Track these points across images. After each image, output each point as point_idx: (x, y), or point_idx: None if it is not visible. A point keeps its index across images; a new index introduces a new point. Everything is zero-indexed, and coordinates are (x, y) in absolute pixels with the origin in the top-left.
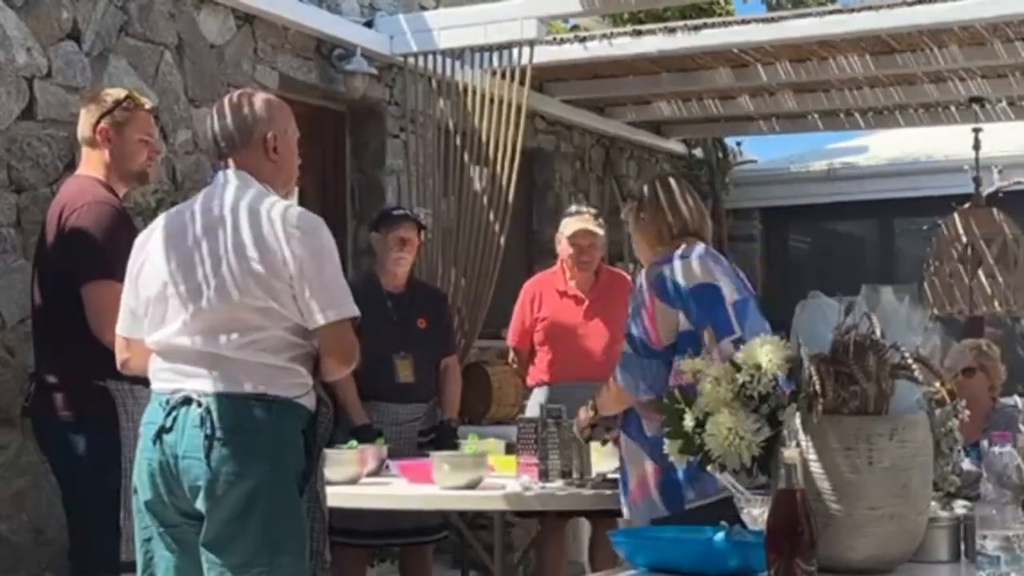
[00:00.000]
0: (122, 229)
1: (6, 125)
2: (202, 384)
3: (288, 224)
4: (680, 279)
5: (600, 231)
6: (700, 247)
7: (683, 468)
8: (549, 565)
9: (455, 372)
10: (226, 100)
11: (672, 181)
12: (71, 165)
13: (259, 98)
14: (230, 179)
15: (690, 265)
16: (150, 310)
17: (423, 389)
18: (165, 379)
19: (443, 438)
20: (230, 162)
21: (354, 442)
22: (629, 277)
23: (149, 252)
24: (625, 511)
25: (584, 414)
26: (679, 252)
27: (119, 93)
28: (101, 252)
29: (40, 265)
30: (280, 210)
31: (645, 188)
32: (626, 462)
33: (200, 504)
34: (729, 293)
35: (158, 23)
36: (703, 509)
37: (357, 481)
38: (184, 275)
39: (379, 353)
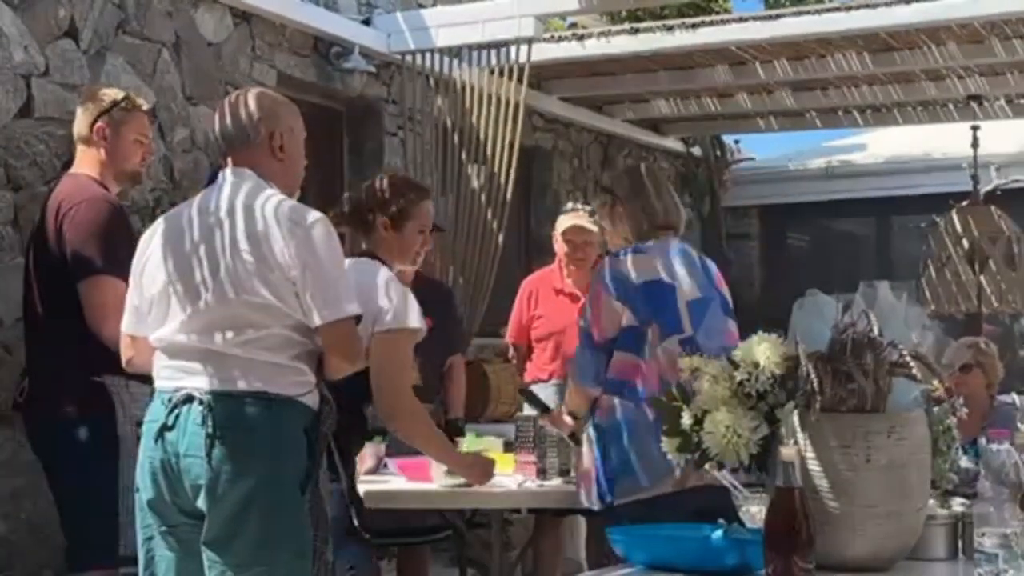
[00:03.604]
0: (119, 226)
1: (3, 123)
2: (204, 382)
3: (289, 220)
4: (631, 274)
5: (595, 228)
6: (666, 242)
7: (613, 465)
8: (547, 563)
9: (460, 370)
10: (232, 97)
11: (646, 172)
12: (68, 163)
13: (267, 96)
14: (227, 177)
15: (644, 260)
16: (153, 308)
17: (427, 389)
18: (167, 377)
19: (450, 436)
20: (228, 161)
21: None
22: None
23: (151, 251)
24: (582, 501)
25: (566, 420)
26: (639, 246)
27: (117, 93)
28: (99, 248)
29: (35, 260)
30: (282, 207)
31: (618, 179)
32: (582, 448)
33: (201, 503)
34: (687, 291)
35: (155, 21)
36: (627, 507)
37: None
38: (185, 273)
39: None
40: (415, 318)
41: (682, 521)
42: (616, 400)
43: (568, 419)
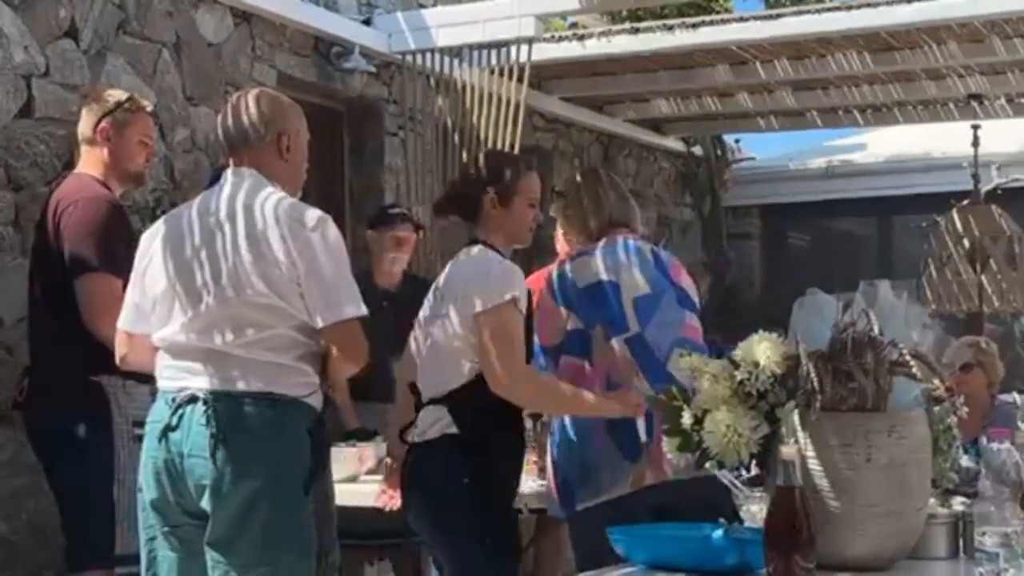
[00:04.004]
0: (117, 224)
1: (3, 124)
2: (208, 382)
3: (290, 219)
4: (574, 278)
5: None
6: (613, 240)
7: (570, 470)
8: (547, 563)
9: None
10: (237, 97)
11: (593, 174)
12: (69, 164)
13: (275, 97)
14: (228, 178)
15: (585, 263)
16: (157, 307)
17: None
18: (171, 377)
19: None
20: (231, 161)
21: (353, 441)
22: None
23: (154, 251)
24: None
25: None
26: (582, 250)
27: (121, 94)
28: (96, 246)
29: (36, 259)
30: (282, 205)
31: (570, 185)
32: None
33: (205, 503)
34: (633, 288)
35: (156, 21)
36: (590, 511)
37: (356, 479)
38: (187, 274)
39: (375, 354)
40: (510, 289)
41: (643, 519)
42: None
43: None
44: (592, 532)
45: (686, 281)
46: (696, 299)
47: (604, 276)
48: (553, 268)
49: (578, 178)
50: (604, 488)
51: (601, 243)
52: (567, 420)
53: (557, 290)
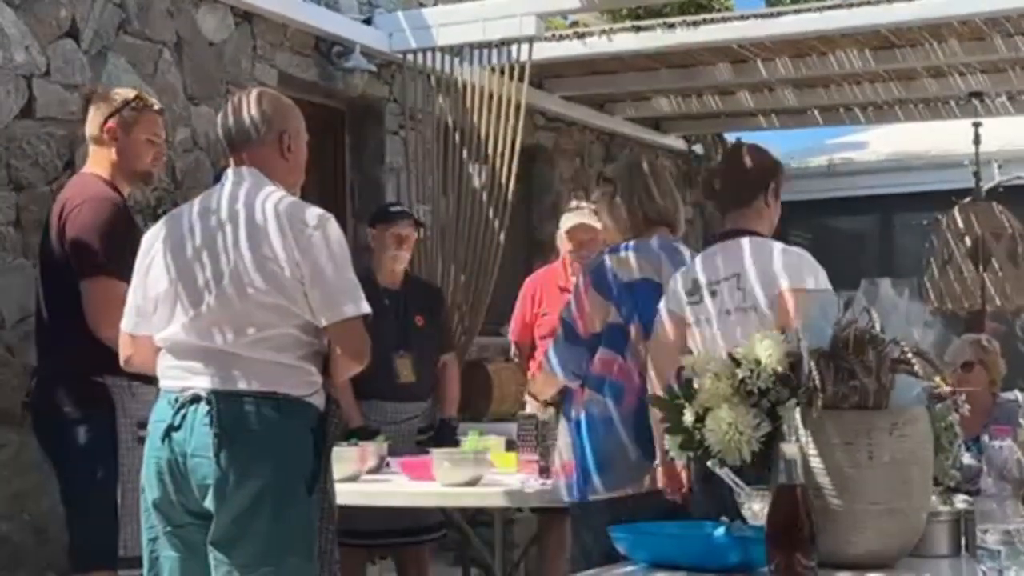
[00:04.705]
0: (122, 226)
1: (5, 123)
2: (210, 382)
3: (291, 217)
4: (620, 271)
5: (599, 226)
6: (656, 239)
7: (590, 460)
8: (550, 561)
9: (453, 369)
10: (239, 97)
11: (648, 166)
12: (70, 163)
13: (276, 97)
14: (229, 177)
15: (632, 258)
16: (159, 307)
17: (422, 387)
18: (174, 377)
19: (443, 436)
20: (232, 160)
21: (355, 439)
22: None
23: (156, 251)
24: (554, 492)
25: (533, 404)
26: (630, 244)
27: (128, 93)
28: (100, 248)
29: (42, 261)
30: (282, 203)
31: (620, 171)
32: (559, 440)
33: (209, 503)
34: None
35: (157, 21)
36: (602, 503)
37: (358, 478)
38: (189, 274)
39: (378, 352)
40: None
41: (649, 519)
42: (596, 396)
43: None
44: (598, 525)
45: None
46: None
47: (652, 275)
48: (599, 259)
49: (629, 170)
50: (621, 483)
51: (646, 239)
52: (597, 411)
53: (602, 281)
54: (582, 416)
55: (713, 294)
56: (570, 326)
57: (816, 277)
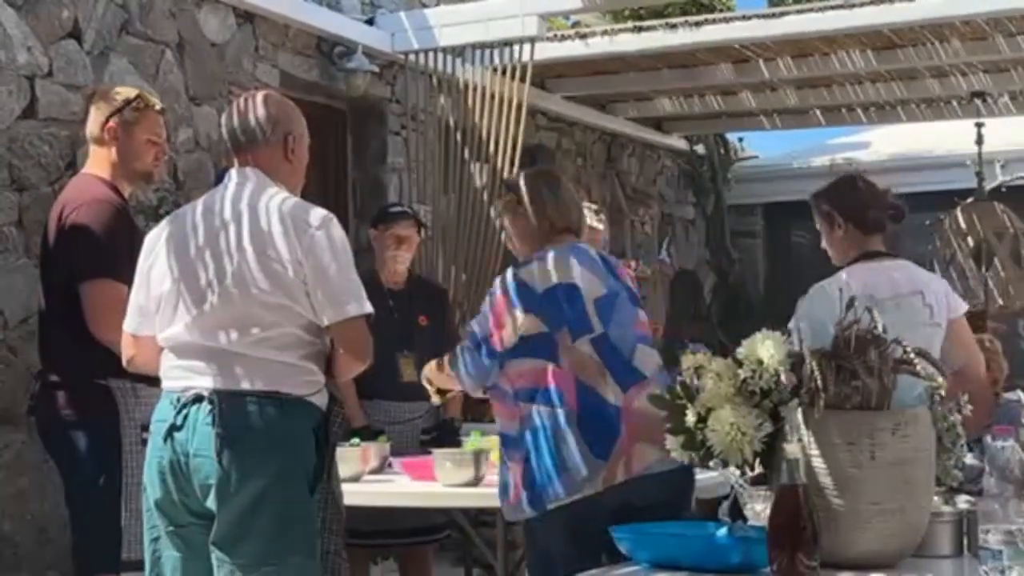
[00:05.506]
0: (122, 227)
1: (7, 124)
2: (213, 382)
3: (295, 218)
4: (535, 283)
5: (600, 226)
6: (565, 246)
7: (539, 471)
8: None
9: None
10: (247, 98)
11: (554, 175)
12: (72, 164)
13: (281, 100)
14: (232, 177)
15: (546, 267)
16: (162, 307)
17: (424, 388)
18: (176, 376)
19: (446, 436)
20: (235, 161)
21: (356, 440)
22: (632, 273)
23: (159, 251)
24: (506, 514)
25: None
26: (539, 254)
27: (130, 92)
28: (100, 250)
29: (43, 264)
30: (286, 204)
31: (525, 180)
32: (500, 474)
33: (211, 503)
34: (592, 290)
35: (159, 22)
36: (562, 509)
37: (360, 479)
38: (191, 273)
39: (382, 352)
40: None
41: (618, 515)
42: (532, 408)
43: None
44: (561, 532)
45: (629, 281)
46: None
47: (565, 279)
48: (507, 273)
49: (539, 177)
50: (578, 486)
51: (554, 247)
52: (538, 420)
53: (517, 295)
54: (526, 432)
55: (898, 307)
56: (484, 339)
57: None
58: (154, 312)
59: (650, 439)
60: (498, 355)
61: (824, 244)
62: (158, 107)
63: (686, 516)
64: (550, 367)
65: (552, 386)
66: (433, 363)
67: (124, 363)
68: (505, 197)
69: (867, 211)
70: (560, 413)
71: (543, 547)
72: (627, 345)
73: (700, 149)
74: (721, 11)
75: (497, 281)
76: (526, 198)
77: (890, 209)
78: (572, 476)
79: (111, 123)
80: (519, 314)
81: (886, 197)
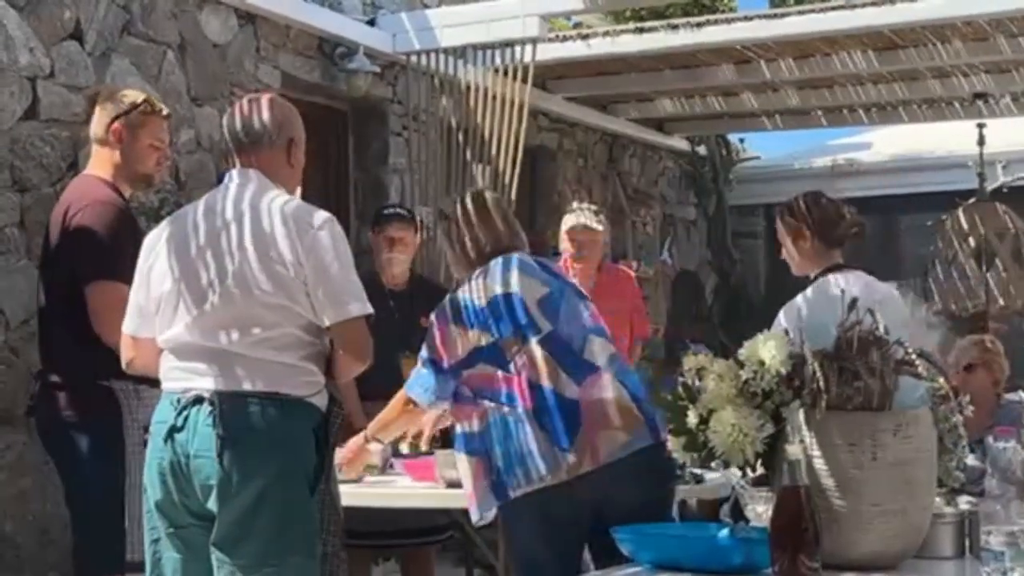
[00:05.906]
0: (125, 229)
1: (9, 125)
2: (213, 383)
3: (297, 219)
4: (474, 300)
5: (600, 227)
6: (498, 260)
7: (501, 464)
8: None
9: None
10: (252, 100)
11: (485, 197)
12: (74, 165)
13: (287, 104)
14: (233, 178)
15: (482, 283)
16: (162, 308)
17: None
18: (176, 378)
19: (447, 437)
20: (236, 162)
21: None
22: (633, 273)
23: (159, 252)
24: (474, 515)
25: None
26: (474, 274)
27: (137, 96)
28: (103, 252)
29: (44, 265)
30: (288, 206)
31: (458, 205)
32: (460, 471)
33: (211, 504)
34: (532, 292)
35: (160, 23)
36: (525, 498)
37: (361, 479)
38: (192, 274)
39: (383, 353)
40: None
41: (584, 513)
42: (486, 404)
43: (372, 447)
44: (525, 522)
45: (570, 277)
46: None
47: (503, 289)
48: (445, 301)
49: (469, 201)
50: (539, 475)
51: (491, 263)
52: (493, 416)
53: (456, 317)
54: (488, 427)
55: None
56: (432, 361)
57: None
58: (154, 313)
59: (610, 426)
60: (448, 370)
61: (785, 255)
62: (164, 112)
63: (670, 496)
64: (499, 373)
65: (503, 389)
66: (385, 414)
67: (124, 365)
68: (441, 225)
69: (836, 226)
70: (518, 410)
71: (515, 538)
72: (577, 339)
73: (701, 150)
74: (723, 12)
75: (439, 305)
76: (455, 226)
77: (853, 227)
78: (535, 464)
79: (116, 125)
80: (464, 331)
81: (849, 214)
